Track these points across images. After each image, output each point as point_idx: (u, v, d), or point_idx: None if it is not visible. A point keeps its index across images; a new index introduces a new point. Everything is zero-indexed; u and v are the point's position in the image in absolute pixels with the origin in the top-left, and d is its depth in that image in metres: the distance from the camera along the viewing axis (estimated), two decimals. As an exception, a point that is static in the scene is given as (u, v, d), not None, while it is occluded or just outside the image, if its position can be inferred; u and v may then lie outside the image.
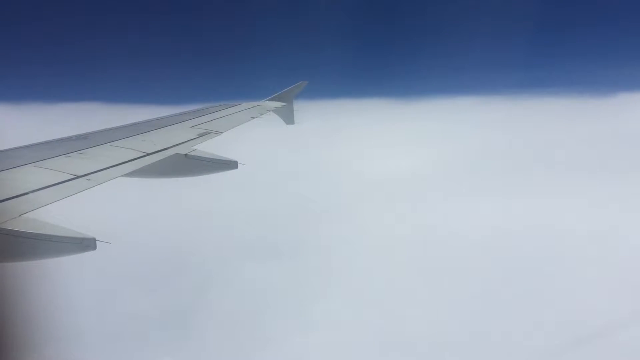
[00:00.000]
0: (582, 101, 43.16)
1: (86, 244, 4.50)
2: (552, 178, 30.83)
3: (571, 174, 31.20)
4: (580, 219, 25.39)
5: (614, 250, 23.11)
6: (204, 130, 8.62)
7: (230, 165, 7.52)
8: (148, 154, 6.73)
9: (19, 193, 4.68)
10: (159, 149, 7.07)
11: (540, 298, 20.93)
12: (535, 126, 39.16)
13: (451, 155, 34.56)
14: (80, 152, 6.35)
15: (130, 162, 6.29)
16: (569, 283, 21.39)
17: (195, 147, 7.55)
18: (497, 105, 43.43)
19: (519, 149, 35.96)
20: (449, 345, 18.57)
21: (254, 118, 10.92)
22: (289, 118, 14.06)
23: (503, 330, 19.03)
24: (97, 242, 4.54)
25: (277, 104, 13.65)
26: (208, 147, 7.73)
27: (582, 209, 26.41)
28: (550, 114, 40.66)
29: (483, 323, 19.41)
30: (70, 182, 5.25)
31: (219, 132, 8.74)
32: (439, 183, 30.87)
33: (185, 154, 7.21)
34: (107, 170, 5.84)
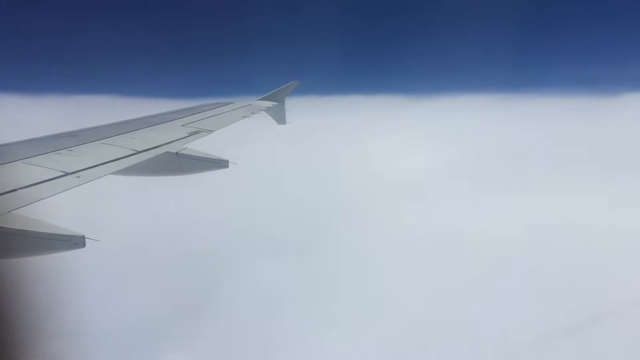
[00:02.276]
0: (587, 100, 43.30)
1: (75, 241, 4.50)
2: (559, 176, 31.00)
3: (579, 173, 31.41)
4: (591, 218, 25.60)
5: (624, 249, 23.33)
6: (195, 129, 8.61)
7: (221, 164, 7.53)
8: (138, 152, 6.72)
9: (8, 190, 4.66)
10: (150, 147, 7.05)
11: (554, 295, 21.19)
12: (540, 125, 39.21)
13: (454, 154, 34.55)
14: (70, 149, 6.33)
15: (120, 160, 6.28)
16: (578, 280, 21.62)
17: (186, 146, 7.55)
18: (502, 104, 43.56)
19: (525, 148, 36.02)
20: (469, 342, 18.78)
21: (245, 117, 10.92)
22: (280, 118, 14.09)
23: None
24: (87, 240, 4.54)
25: (269, 104, 13.66)
26: (199, 146, 7.73)
27: (592, 207, 26.61)
28: (555, 113, 40.75)
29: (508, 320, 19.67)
30: (60, 179, 5.23)
31: (210, 131, 8.74)
32: (439, 181, 30.87)
33: (176, 153, 7.20)
34: (97, 167, 5.82)
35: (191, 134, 8.27)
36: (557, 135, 37.53)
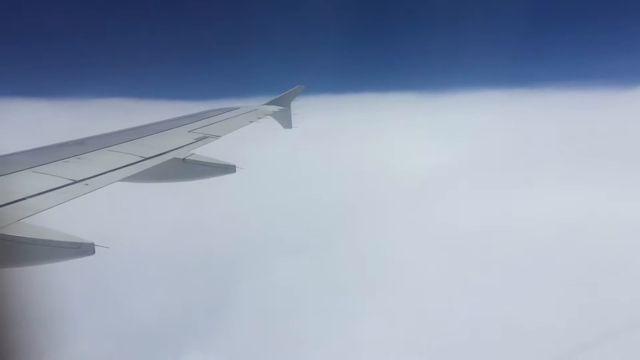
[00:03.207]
0: (604, 94, 42.83)
1: (84, 248, 4.50)
2: (578, 170, 30.72)
3: (597, 166, 31.06)
4: (610, 211, 25.35)
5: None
6: (202, 135, 8.62)
7: (228, 169, 7.52)
8: (146, 159, 6.73)
9: (17, 198, 4.68)
10: (157, 153, 7.06)
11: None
12: (557, 119, 38.85)
13: (469, 150, 34.31)
14: (78, 157, 6.35)
15: (128, 167, 6.29)
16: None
17: (193, 152, 7.55)
18: (518, 99, 43.18)
19: (543, 142, 35.69)
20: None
21: (251, 122, 10.93)
22: (286, 122, 14.09)
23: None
24: (96, 247, 4.54)
25: (275, 108, 13.68)
26: (206, 152, 7.74)
27: (610, 200, 26.34)
28: (572, 107, 40.33)
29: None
30: (68, 187, 5.25)
31: (216, 137, 8.74)
32: (455, 177, 30.64)
33: (183, 159, 7.21)
34: (105, 175, 5.84)
35: (198, 139, 8.29)
36: (574, 128, 37.15)
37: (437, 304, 20.58)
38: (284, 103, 14.18)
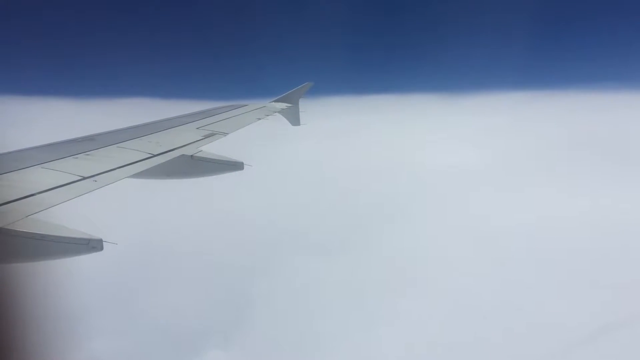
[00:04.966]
0: (625, 96, 42.12)
1: (93, 244, 4.51)
2: (599, 172, 30.37)
3: (618, 169, 30.71)
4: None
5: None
6: (210, 132, 8.63)
7: (236, 166, 7.53)
8: (154, 155, 6.75)
9: (26, 194, 4.70)
10: (165, 150, 7.08)
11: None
12: (578, 121, 38.29)
13: (488, 152, 33.98)
14: (87, 153, 6.38)
15: (136, 164, 6.31)
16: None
17: (201, 149, 7.57)
18: (539, 101, 42.75)
19: (564, 144, 35.28)
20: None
21: (259, 119, 10.93)
22: (294, 119, 14.06)
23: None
24: (104, 243, 4.56)
25: (283, 105, 13.65)
26: (214, 148, 7.75)
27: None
28: (592, 109, 39.72)
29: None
30: (77, 183, 5.27)
31: (224, 134, 8.76)
32: (468, 180, 30.37)
33: (192, 155, 7.22)
34: (114, 171, 5.86)
35: (206, 136, 8.30)
36: (596, 131, 36.58)
37: (449, 304, 20.50)
38: (291, 100, 14.14)
